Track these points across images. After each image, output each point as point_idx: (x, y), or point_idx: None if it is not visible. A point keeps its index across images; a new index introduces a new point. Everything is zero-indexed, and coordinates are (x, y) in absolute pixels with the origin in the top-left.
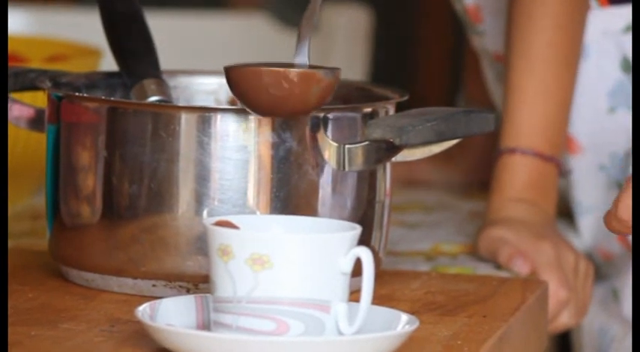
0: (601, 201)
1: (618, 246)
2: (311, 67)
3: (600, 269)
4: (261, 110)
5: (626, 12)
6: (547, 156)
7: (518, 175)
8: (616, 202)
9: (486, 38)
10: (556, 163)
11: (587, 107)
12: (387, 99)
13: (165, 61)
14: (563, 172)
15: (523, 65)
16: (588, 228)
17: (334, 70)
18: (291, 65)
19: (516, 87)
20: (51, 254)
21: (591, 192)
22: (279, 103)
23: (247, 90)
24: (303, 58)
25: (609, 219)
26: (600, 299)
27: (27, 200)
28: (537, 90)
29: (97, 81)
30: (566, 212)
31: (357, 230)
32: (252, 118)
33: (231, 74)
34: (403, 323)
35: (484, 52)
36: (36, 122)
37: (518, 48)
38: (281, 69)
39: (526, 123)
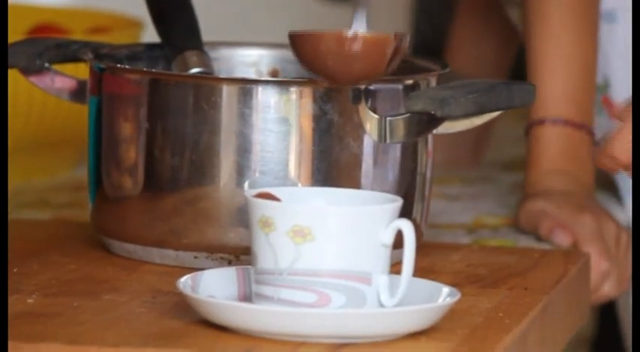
0: None
1: None
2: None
3: None
4: (332, 75)
5: None
6: (578, 124)
7: (550, 146)
8: (610, 139)
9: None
10: (588, 131)
11: (623, 70)
12: (428, 71)
13: (207, 32)
14: (595, 142)
15: (540, 30)
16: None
17: (404, 35)
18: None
19: (537, 54)
20: (93, 225)
21: None
22: (350, 67)
23: (320, 55)
24: (361, 27)
25: (598, 155)
26: None
27: (69, 171)
28: (558, 55)
29: (138, 53)
30: (608, 184)
31: (398, 202)
32: (294, 90)
33: (301, 40)
34: (444, 295)
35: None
36: (78, 94)
37: (534, 13)
38: (358, 33)
39: (551, 91)
